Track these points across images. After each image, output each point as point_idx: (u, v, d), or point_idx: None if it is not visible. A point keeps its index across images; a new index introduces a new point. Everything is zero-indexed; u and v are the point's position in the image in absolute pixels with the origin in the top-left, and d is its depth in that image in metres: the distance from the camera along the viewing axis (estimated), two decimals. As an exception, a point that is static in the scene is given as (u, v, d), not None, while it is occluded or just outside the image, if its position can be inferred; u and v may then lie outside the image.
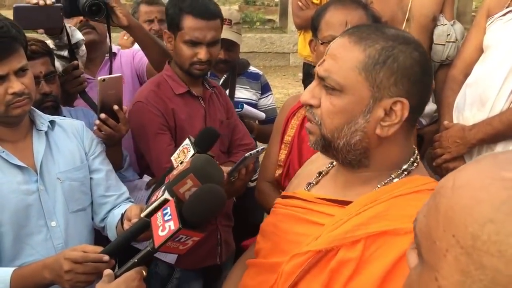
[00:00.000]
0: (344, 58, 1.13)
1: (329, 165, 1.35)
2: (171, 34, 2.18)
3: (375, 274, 1.06)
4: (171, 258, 2.21)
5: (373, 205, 1.12)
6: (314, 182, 1.35)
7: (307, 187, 1.35)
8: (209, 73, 2.86)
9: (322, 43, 1.89)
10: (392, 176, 1.17)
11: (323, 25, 1.89)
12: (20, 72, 1.66)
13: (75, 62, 2.31)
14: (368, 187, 1.18)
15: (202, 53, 2.11)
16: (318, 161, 1.40)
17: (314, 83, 1.19)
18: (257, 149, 1.83)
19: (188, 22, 2.10)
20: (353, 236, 1.10)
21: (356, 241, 1.10)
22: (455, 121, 2.25)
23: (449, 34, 2.47)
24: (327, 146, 1.19)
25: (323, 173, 1.35)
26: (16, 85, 1.64)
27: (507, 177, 0.56)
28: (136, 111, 2.17)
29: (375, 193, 1.15)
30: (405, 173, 1.17)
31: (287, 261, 1.19)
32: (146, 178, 2.33)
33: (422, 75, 1.12)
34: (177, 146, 2.11)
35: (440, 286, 0.60)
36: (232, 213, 2.48)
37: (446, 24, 2.49)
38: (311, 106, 1.19)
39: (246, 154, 1.81)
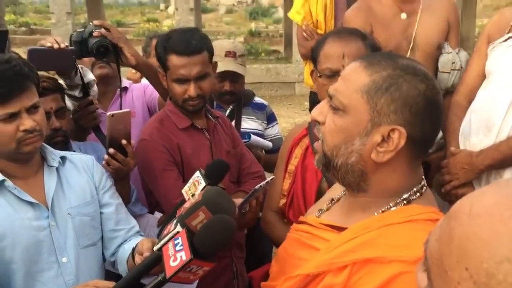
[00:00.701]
0: (352, 80, 1.15)
1: (342, 192, 1.36)
2: (163, 73, 2.19)
3: None
4: None
5: (365, 233, 1.13)
6: (325, 209, 1.36)
7: (318, 213, 1.37)
8: (215, 103, 2.89)
9: (319, 76, 1.90)
10: (390, 204, 1.17)
11: (322, 57, 1.90)
12: (32, 110, 1.69)
13: (90, 97, 2.36)
14: (366, 214, 1.19)
15: (191, 90, 2.11)
16: (336, 189, 1.42)
17: (324, 101, 1.22)
18: (266, 180, 1.83)
19: (173, 60, 2.10)
20: (339, 262, 1.11)
21: (343, 267, 1.10)
22: (461, 147, 2.24)
23: (454, 62, 2.48)
24: (327, 164, 1.21)
25: (335, 200, 1.37)
26: (27, 123, 1.66)
27: None
28: (141, 148, 2.17)
29: (369, 221, 1.15)
30: (404, 202, 1.17)
31: (280, 285, 1.22)
32: (158, 214, 2.31)
33: (426, 107, 1.12)
34: (185, 181, 2.10)
35: None
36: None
37: (451, 52, 2.51)
38: (318, 122, 1.22)
39: (257, 186, 1.79)
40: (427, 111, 1.12)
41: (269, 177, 1.97)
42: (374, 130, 1.12)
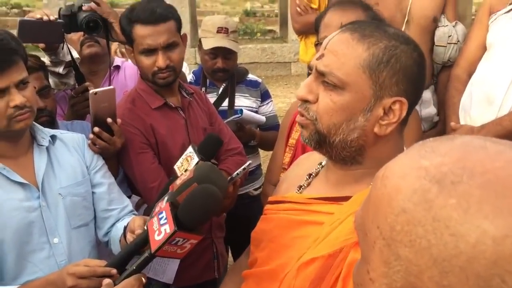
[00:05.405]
0: (347, 55, 1.11)
1: (318, 166, 1.32)
2: (130, 48, 2.11)
3: None
4: (168, 278, 2.10)
5: None
6: (305, 185, 1.31)
7: (298, 190, 1.31)
8: (208, 81, 2.84)
9: (316, 44, 1.90)
10: None
11: (322, 27, 1.90)
12: (21, 85, 1.64)
13: (86, 83, 2.31)
14: (362, 185, 1.15)
15: (159, 60, 2.03)
16: (305, 163, 1.38)
17: (311, 78, 1.16)
18: (243, 167, 1.81)
19: (138, 31, 2.02)
20: (354, 237, 1.06)
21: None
22: (462, 122, 2.19)
23: (450, 36, 2.42)
24: (321, 142, 1.16)
25: (313, 174, 1.32)
26: (17, 98, 1.61)
27: (423, 165, 0.56)
28: None
29: None
30: None
31: (295, 270, 1.13)
32: (135, 198, 2.22)
33: (419, 75, 1.14)
34: (160, 162, 2.06)
35: (371, 278, 0.60)
36: (227, 223, 2.41)
37: (447, 25, 2.44)
38: (307, 101, 1.16)
39: (233, 174, 1.79)
40: (420, 78, 1.15)
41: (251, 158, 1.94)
42: (377, 104, 1.10)
